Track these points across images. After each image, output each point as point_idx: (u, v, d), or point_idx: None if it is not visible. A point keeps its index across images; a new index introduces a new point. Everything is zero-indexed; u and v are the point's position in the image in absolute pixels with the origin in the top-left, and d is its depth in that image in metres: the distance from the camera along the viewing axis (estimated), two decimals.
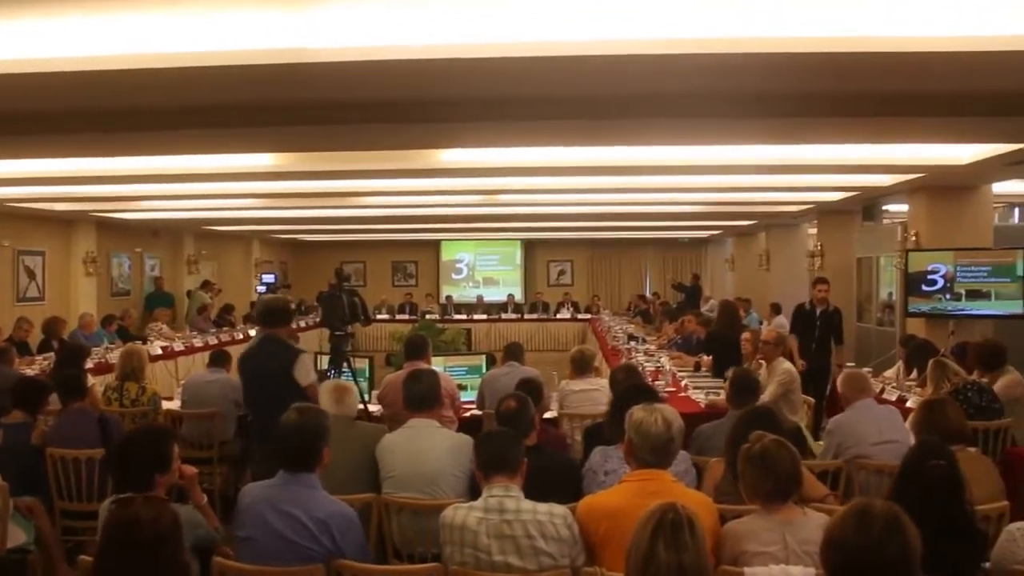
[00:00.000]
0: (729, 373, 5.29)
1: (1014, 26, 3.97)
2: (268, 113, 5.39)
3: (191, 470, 3.50)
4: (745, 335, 7.53)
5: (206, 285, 16.02)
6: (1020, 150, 6.93)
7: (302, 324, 16.41)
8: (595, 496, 3.33)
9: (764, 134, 6.50)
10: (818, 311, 8.97)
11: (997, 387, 5.71)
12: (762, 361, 6.58)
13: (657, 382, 7.32)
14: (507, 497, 3.20)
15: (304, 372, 5.08)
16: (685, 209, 13.01)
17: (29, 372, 7.80)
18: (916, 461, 3.09)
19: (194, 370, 9.89)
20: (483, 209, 12.84)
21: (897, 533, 2.09)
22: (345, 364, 6.59)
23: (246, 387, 5.35)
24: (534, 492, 3.29)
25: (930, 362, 5.97)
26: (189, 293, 16.15)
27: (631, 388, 4.36)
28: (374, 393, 6.54)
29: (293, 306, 7.63)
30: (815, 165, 8.02)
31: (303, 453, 3.34)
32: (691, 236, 20.79)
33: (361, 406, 5.46)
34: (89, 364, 8.08)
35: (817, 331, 8.86)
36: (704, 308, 14.28)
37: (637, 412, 3.29)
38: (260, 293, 17.64)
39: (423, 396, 4.37)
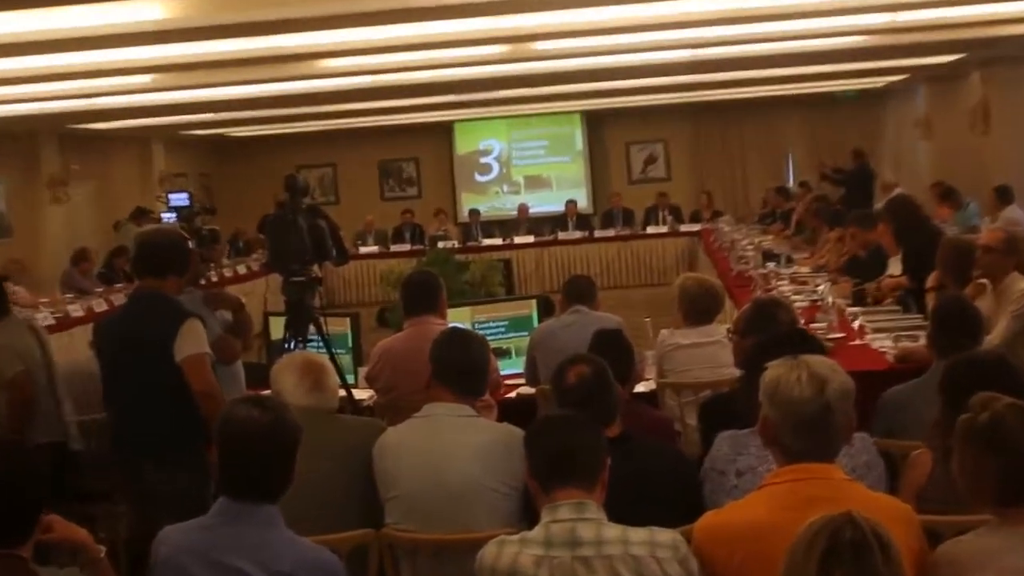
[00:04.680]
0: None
1: None
2: None
3: (79, 534, 3.43)
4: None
5: (142, 214, 15.96)
6: None
7: (240, 271, 16.59)
8: (723, 511, 3.34)
9: None
10: None
11: None
12: (984, 282, 6.48)
13: (816, 324, 7.28)
14: (581, 521, 3.20)
15: (192, 340, 5.09)
16: (845, 42, 12.81)
17: None
18: None
19: (73, 351, 10.00)
20: (514, 67, 12.76)
21: None
22: (313, 327, 6.64)
23: (104, 371, 5.50)
24: (624, 510, 3.31)
25: None
26: (117, 224, 16.30)
27: (774, 339, 4.31)
28: (361, 371, 6.62)
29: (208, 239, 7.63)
30: None
31: (271, 472, 3.34)
32: (858, 87, 20.50)
33: (343, 391, 5.52)
34: None
35: None
36: (884, 202, 14.15)
37: (772, 369, 3.26)
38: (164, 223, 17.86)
39: (471, 371, 4.40)
